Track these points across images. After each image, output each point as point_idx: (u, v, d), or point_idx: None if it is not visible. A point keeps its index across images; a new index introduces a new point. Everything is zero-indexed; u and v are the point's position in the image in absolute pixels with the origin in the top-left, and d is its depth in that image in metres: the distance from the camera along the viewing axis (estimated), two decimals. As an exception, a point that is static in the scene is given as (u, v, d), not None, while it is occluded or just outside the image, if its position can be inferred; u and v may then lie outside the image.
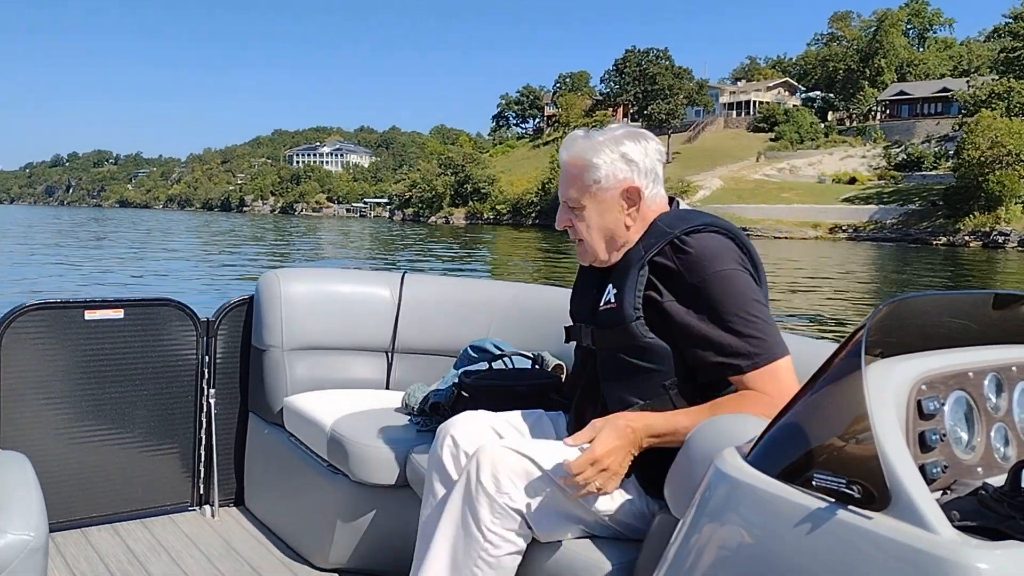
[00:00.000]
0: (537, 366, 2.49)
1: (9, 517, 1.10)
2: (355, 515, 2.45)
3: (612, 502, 1.72)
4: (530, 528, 1.71)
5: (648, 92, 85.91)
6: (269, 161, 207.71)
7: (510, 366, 2.50)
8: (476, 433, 1.91)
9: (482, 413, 2.00)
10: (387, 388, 2.99)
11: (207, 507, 2.98)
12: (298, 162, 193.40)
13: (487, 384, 2.26)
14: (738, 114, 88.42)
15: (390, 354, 3.02)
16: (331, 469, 2.51)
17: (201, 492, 2.99)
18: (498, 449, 1.72)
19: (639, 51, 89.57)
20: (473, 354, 2.61)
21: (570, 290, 2.36)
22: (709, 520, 1.13)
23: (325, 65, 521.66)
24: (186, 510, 2.97)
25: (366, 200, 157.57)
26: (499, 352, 2.56)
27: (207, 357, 2.94)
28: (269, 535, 2.80)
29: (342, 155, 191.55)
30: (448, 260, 29.72)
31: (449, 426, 1.94)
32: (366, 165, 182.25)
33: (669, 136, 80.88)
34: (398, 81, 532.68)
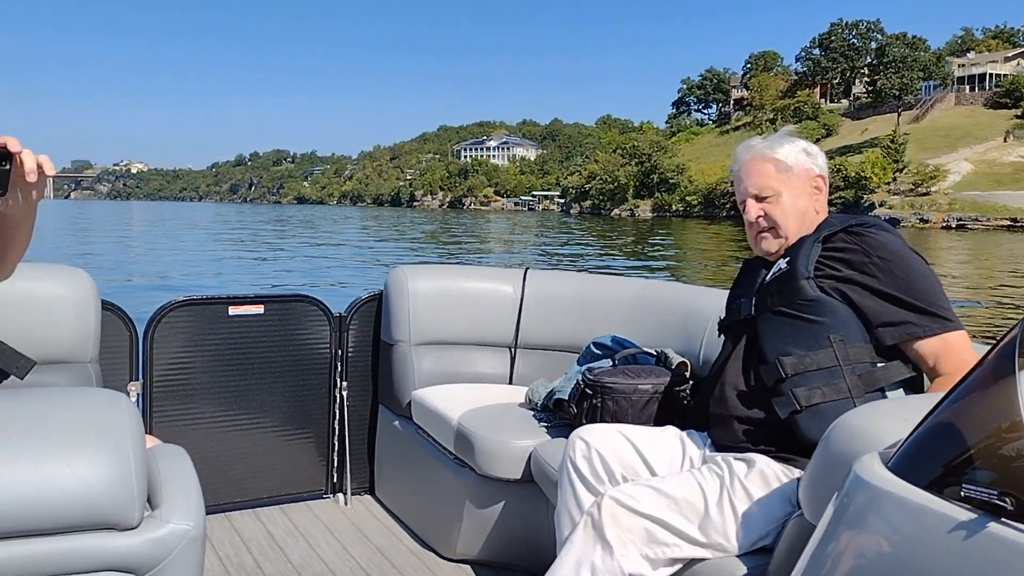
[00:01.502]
0: (661, 363, 2.44)
1: (171, 508, 1.16)
2: (481, 508, 2.46)
3: (745, 521, 1.68)
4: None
5: (873, 66, 76.52)
6: (437, 156, 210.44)
7: (633, 363, 2.43)
8: (610, 442, 1.92)
9: (613, 425, 2.01)
10: (510, 383, 2.98)
11: (340, 495, 3.07)
12: (466, 157, 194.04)
13: (611, 381, 2.23)
14: (971, 89, 77.08)
15: (513, 349, 3.01)
16: (458, 462, 2.52)
17: (335, 480, 3.08)
18: (622, 499, 1.69)
19: (846, 24, 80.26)
20: (596, 350, 2.56)
21: (695, 286, 2.69)
22: (847, 528, 1.08)
23: (487, 60, 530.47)
24: (321, 497, 3.06)
25: (534, 193, 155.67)
26: (623, 348, 2.51)
27: (339, 351, 3.02)
28: (399, 524, 2.86)
29: (508, 148, 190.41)
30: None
31: (582, 432, 1.95)
32: (532, 158, 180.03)
33: (899, 114, 71.60)
34: (558, 73, 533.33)
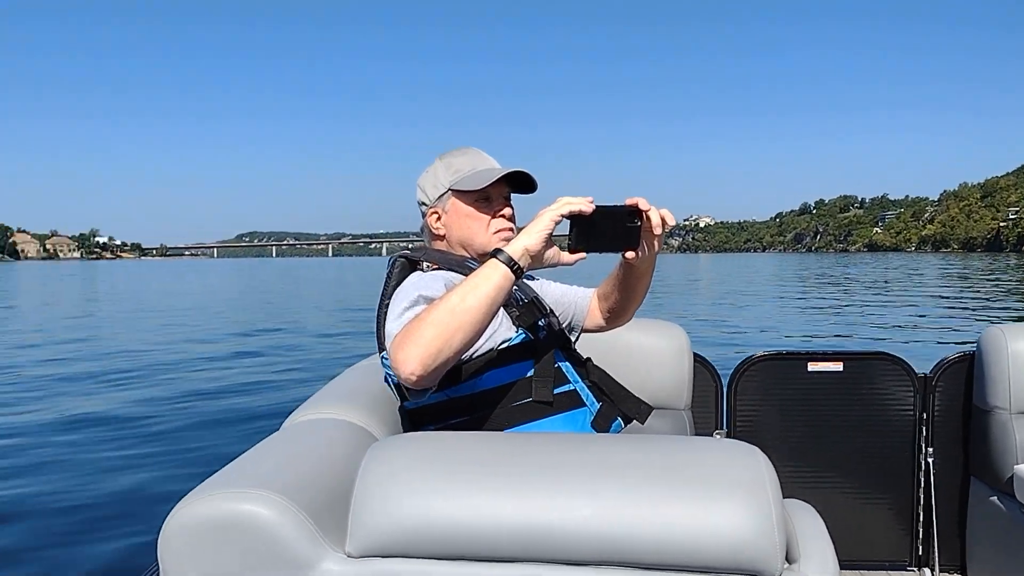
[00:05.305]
0: None
1: (808, 564, 1.19)
2: None
3: None
4: None
5: None
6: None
7: None
8: None
9: None
10: None
11: (927, 570, 2.95)
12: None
13: None
14: None
15: None
16: None
17: (920, 553, 2.97)
18: None
19: None
20: None
21: None
22: None
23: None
24: (904, 569, 2.97)
25: None
26: None
27: (924, 414, 2.90)
28: None
29: None
30: None
31: None
32: None
33: None
34: None
